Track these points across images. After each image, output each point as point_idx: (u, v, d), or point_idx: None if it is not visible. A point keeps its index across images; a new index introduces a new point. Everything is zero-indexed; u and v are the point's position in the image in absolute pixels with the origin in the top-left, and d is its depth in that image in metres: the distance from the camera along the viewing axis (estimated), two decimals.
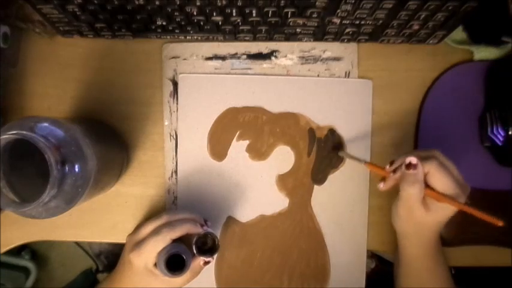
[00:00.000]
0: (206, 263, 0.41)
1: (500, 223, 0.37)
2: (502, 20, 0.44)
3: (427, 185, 0.38)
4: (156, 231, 0.39)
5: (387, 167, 0.40)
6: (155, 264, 0.39)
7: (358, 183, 0.48)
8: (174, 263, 0.37)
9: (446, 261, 0.43)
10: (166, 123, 0.48)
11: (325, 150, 0.48)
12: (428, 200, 0.38)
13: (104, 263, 0.77)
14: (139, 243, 0.39)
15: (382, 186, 0.41)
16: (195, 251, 0.39)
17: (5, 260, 0.93)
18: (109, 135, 0.46)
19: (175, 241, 0.39)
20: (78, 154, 0.34)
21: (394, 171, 0.39)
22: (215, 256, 0.40)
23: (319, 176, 0.48)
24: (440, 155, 0.39)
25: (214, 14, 0.41)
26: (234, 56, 0.48)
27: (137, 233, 0.41)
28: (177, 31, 0.44)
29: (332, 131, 0.47)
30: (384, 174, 0.41)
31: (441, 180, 0.37)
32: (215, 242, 0.40)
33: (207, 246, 0.41)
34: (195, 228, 0.40)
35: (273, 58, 0.48)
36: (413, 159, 0.38)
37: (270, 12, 0.40)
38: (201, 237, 0.40)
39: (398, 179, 0.39)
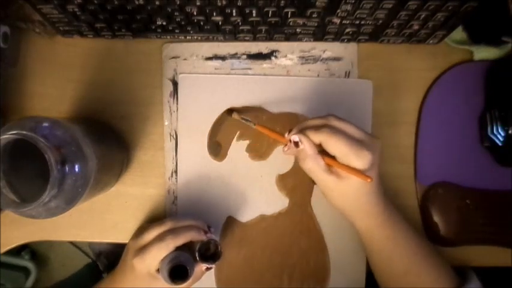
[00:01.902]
0: (208, 268, 0.41)
1: (368, 179, 0.36)
2: (502, 20, 0.44)
3: (326, 153, 0.37)
4: (160, 238, 0.40)
5: (286, 134, 0.39)
6: (158, 269, 0.39)
7: None
8: (177, 270, 0.38)
9: (411, 227, 0.42)
10: (166, 123, 0.48)
11: None
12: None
13: (104, 263, 0.77)
14: (142, 249, 0.40)
15: (285, 149, 0.40)
16: (197, 258, 0.40)
17: (5, 260, 0.93)
18: (109, 135, 0.46)
19: (178, 248, 0.39)
20: (78, 154, 0.34)
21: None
22: (217, 262, 0.41)
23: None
24: (334, 119, 0.38)
25: (214, 14, 0.41)
26: (234, 56, 0.48)
27: (140, 238, 0.41)
28: (177, 31, 0.44)
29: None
30: (281, 140, 0.40)
31: (334, 146, 0.36)
32: (218, 248, 0.41)
33: (209, 253, 0.41)
34: (198, 235, 0.40)
35: (273, 58, 0.48)
36: (294, 137, 0.37)
37: (270, 12, 0.40)
38: (204, 244, 0.41)
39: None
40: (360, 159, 0.36)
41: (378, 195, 0.39)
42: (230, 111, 0.46)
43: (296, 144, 0.38)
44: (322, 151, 0.38)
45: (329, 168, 0.38)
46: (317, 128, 0.37)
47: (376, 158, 0.37)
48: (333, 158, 0.37)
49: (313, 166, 0.38)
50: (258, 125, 0.42)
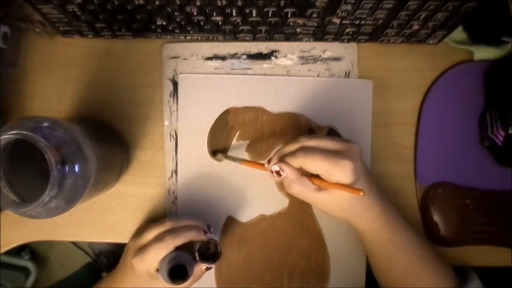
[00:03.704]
0: (208, 268, 0.41)
1: (360, 193, 0.36)
2: (502, 20, 0.44)
3: (309, 173, 0.38)
4: (159, 238, 0.40)
5: (266, 164, 0.40)
6: (157, 269, 0.39)
7: None
8: (177, 269, 0.38)
9: (411, 228, 0.41)
10: (166, 123, 0.48)
11: None
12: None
13: (104, 263, 0.77)
14: (142, 249, 0.40)
15: (276, 179, 0.40)
16: (197, 258, 0.40)
17: (5, 260, 0.93)
18: (109, 135, 0.46)
19: (178, 247, 0.39)
20: (78, 154, 0.34)
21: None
22: (217, 262, 0.41)
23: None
24: (305, 139, 0.38)
25: (214, 14, 0.41)
26: (234, 56, 0.48)
27: (140, 238, 0.41)
28: (177, 31, 0.44)
29: (332, 131, 0.47)
30: (266, 171, 0.40)
31: (313, 165, 0.36)
32: (217, 248, 0.41)
33: (209, 252, 0.41)
34: (198, 235, 0.41)
35: (273, 58, 0.48)
36: (274, 167, 0.38)
37: (270, 12, 0.40)
38: (204, 244, 0.41)
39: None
40: (342, 170, 0.36)
41: (374, 198, 0.39)
42: (214, 152, 0.47)
43: (278, 173, 0.38)
44: (306, 172, 0.38)
45: (317, 187, 0.38)
46: (293, 153, 0.37)
47: (358, 164, 0.37)
48: (318, 176, 0.38)
49: (301, 189, 0.38)
50: (243, 161, 0.43)
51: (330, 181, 0.37)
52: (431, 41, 0.46)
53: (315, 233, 0.48)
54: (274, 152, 0.42)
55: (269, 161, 0.40)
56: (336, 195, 0.38)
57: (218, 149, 0.47)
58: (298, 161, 0.37)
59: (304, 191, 0.38)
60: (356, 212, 0.39)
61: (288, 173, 0.37)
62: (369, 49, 0.48)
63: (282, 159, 0.38)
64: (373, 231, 0.40)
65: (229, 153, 0.47)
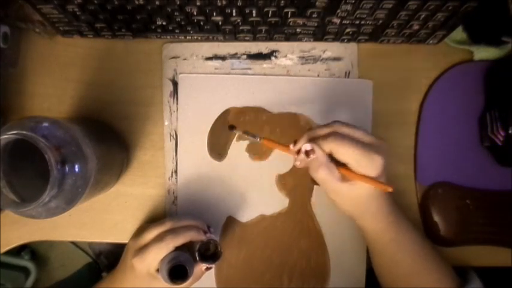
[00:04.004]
0: (208, 268, 0.41)
1: (389, 189, 0.35)
2: (502, 20, 0.44)
3: (337, 161, 0.37)
4: (159, 238, 0.40)
5: (291, 146, 0.39)
6: (157, 269, 0.39)
7: None
8: (177, 269, 0.38)
9: (414, 228, 0.41)
10: (166, 123, 0.48)
11: None
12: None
13: (104, 263, 0.77)
14: (142, 249, 0.40)
15: (297, 163, 0.39)
16: (197, 258, 0.40)
17: (4, 260, 0.93)
18: (109, 135, 0.46)
19: (178, 248, 0.39)
20: (78, 154, 0.34)
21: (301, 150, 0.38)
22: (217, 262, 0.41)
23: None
24: (340, 125, 0.37)
25: (214, 14, 0.41)
26: (234, 56, 0.48)
27: (140, 238, 0.41)
28: (177, 31, 0.44)
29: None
30: (288, 152, 0.39)
31: (345, 154, 0.35)
32: (217, 248, 0.41)
33: (209, 252, 0.41)
34: (198, 235, 0.40)
35: (273, 58, 0.48)
36: (307, 146, 0.36)
37: (270, 12, 0.40)
38: (204, 244, 0.40)
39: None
40: (372, 164, 0.35)
41: (385, 198, 0.39)
42: (232, 127, 0.45)
43: (307, 153, 0.37)
44: (331, 159, 0.37)
45: (342, 176, 0.37)
46: (324, 137, 0.36)
47: (386, 161, 0.36)
48: (344, 165, 0.37)
49: (327, 175, 0.37)
50: (264, 139, 0.41)
51: (357, 172, 0.36)
52: (431, 41, 0.46)
53: (315, 233, 0.48)
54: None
55: (295, 143, 0.38)
56: (358, 188, 0.37)
57: (234, 126, 0.45)
58: (330, 145, 0.36)
59: (329, 177, 0.37)
60: (366, 209, 0.39)
61: (319, 155, 0.36)
62: (369, 49, 0.48)
63: (312, 141, 0.37)
64: (378, 231, 0.40)
65: (229, 153, 0.47)
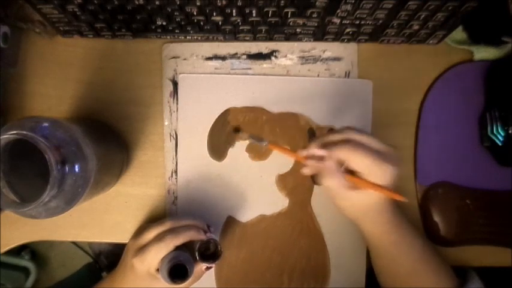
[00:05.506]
0: (208, 268, 0.41)
1: (403, 199, 0.35)
2: (502, 20, 0.44)
3: (347, 169, 0.36)
4: (159, 238, 0.40)
5: (300, 151, 0.38)
6: (157, 269, 0.39)
7: None
8: (177, 269, 0.38)
9: (414, 229, 0.41)
10: (166, 123, 0.48)
11: None
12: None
13: (104, 263, 0.77)
14: (142, 249, 0.40)
15: (306, 171, 0.38)
16: (197, 258, 0.40)
17: (5, 260, 0.93)
18: (109, 135, 0.46)
19: (178, 247, 0.39)
20: (78, 154, 0.34)
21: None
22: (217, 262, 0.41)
23: (319, 175, 0.48)
24: (354, 133, 0.36)
25: (214, 14, 0.41)
26: (234, 56, 0.48)
27: (140, 238, 0.41)
28: (177, 31, 0.44)
29: (332, 131, 0.47)
30: (295, 158, 0.38)
31: (358, 162, 0.35)
32: (217, 248, 0.41)
33: (209, 252, 0.41)
34: (198, 235, 0.40)
35: (273, 58, 0.48)
36: (318, 152, 0.36)
37: (270, 12, 0.40)
38: (204, 244, 0.41)
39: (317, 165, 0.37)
40: (383, 173, 0.35)
41: (390, 203, 0.39)
42: (237, 130, 0.45)
43: (320, 159, 0.36)
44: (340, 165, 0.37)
45: (351, 184, 0.36)
46: (337, 144, 0.36)
47: (397, 171, 0.36)
48: (352, 172, 0.36)
49: (338, 182, 0.36)
50: (270, 144, 0.40)
51: (367, 180, 0.36)
52: (431, 41, 0.46)
53: (315, 233, 0.48)
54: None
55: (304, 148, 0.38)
56: (367, 196, 0.37)
57: (239, 129, 0.45)
58: (343, 153, 0.35)
59: (339, 185, 0.36)
60: (372, 215, 0.39)
61: (330, 161, 0.35)
62: (369, 49, 0.48)
63: (324, 147, 0.36)
64: (379, 235, 0.40)
65: (229, 154, 0.47)
